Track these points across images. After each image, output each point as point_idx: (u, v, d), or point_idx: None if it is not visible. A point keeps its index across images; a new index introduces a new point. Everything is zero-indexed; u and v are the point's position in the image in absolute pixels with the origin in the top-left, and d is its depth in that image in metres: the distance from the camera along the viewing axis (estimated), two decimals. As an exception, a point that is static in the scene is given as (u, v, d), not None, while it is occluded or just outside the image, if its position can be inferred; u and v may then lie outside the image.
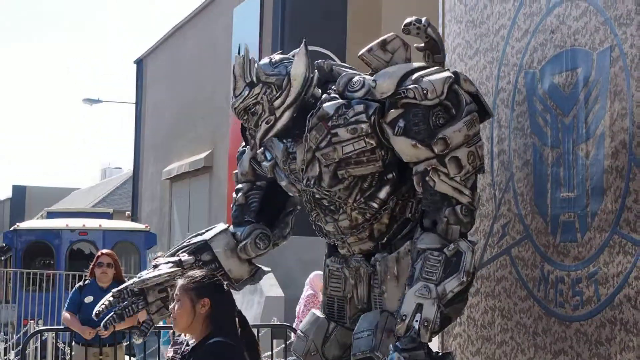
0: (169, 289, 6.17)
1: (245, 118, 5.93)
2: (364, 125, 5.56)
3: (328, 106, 5.68)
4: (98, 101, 39.42)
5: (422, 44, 5.83)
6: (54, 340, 11.65)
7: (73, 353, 9.64)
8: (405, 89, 5.43)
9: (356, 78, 5.75)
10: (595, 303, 5.43)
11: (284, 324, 11.91)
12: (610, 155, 5.32)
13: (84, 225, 21.66)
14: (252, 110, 5.84)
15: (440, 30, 7.47)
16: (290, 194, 6.45)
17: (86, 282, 9.90)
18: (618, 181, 5.25)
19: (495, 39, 6.67)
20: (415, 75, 5.49)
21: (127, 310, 6.26)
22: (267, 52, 25.57)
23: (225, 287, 4.85)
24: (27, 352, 11.19)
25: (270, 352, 10.34)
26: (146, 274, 6.37)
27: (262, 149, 6.23)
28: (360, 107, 5.59)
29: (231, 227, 6.62)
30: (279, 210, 6.67)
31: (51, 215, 26.25)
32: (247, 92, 5.81)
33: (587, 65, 5.60)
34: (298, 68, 5.83)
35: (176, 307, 4.77)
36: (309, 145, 5.75)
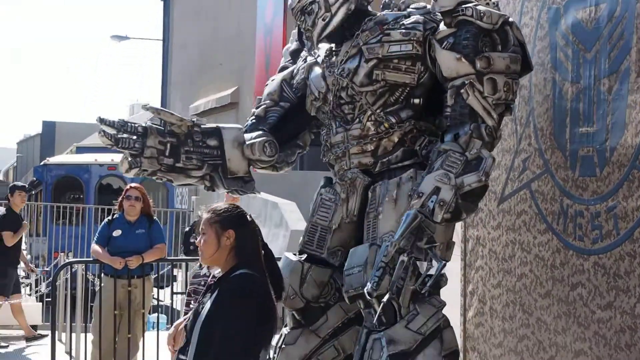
0: (168, 145, 6.15)
1: (302, 19, 6.11)
2: (417, 32, 5.81)
3: (389, 14, 5.97)
4: (126, 38, 39.39)
5: None
6: (84, 272, 11.74)
7: (102, 284, 9.70)
8: (464, 7, 5.58)
9: (417, 3, 6.00)
10: (614, 237, 5.44)
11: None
12: (636, 90, 5.29)
13: (112, 160, 21.65)
14: (309, 9, 6.02)
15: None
16: (312, 111, 6.41)
17: (114, 216, 9.93)
18: (640, 116, 5.24)
19: (518, -26, 6.62)
20: (473, 3, 5.64)
21: (123, 141, 6.09)
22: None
23: (249, 218, 4.85)
24: (57, 283, 11.27)
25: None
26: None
27: (305, 63, 6.37)
28: (419, 18, 5.87)
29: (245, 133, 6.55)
30: (290, 137, 6.63)
31: (80, 150, 26.39)
32: None
33: (612, 0, 5.55)
34: None
35: (202, 239, 4.79)
36: (357, 42, 5.96)
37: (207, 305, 4.62)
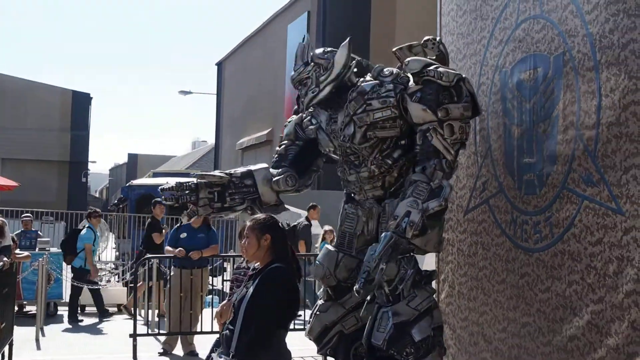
0: (215, 194, 6.22)
1: (299, 88, 6.17)
2: (392, 99, 5.78)
3: (366, 85, 5.91)
4: (189, 92, 39.43)
5: (434, 56, 6.04)
6: (158, 265, 11.75)
7: (172, 274, 9.79)
8: (428, 70, 5.65)
9: (387, 68, 5.93)
10: (550, 239, 5.45)
11: (314, 253, 11.92)
12: (562, 131, 5.31)
13: (180, 183, 21.76)
14: (304, 82, 6.08)
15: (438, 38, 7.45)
16: (326, 151, 6.43)
17: (182, 223, 9.97)
18: (567, 150, 5.24)
19: (478, 46, 6.63)
20: (434, 66, 5.70)
21: (182, 197, 6.21)
22: (312, 56, 25.63)
23: (280, 225, 4.87)
24: (138, 273, 11.33)
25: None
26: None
27: (309, 117, 6.36)
28: (390, 86, 5.83)
29: (271, 168, 6.59)
30: (306, 166, 6.63)
31: (156, 174, 26.46)
32: (302, 69, 6.10)
33: (545, 66, 5.58)
34: (340, 56, 6.02)
35: (246, 241, 4.81)
36: (348, 112, 5.94)
37: (250, 290, 4.63)
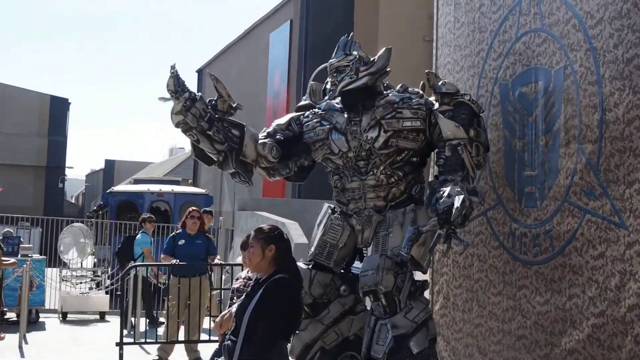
0: (208, 114, 6.03)
1: (335, 75, 6.17)
2: (422, 112, 5.95)
3: (396, 96, 6.09)
4: (169, 99, 39.30)
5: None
6: (145, 274, 11.66)
7: (170, 282, 9.66)
8: (463, 94, 5.93)
9: (412, 88, 6.18)
10: (550, 252, 5.45)
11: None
12: (564, 145, 5.32)
13: (160, 189, 21.63)
14: (342, 69, 6.12)
15: (434, 53, 7.47)
16: (319, 159, 6.40)
17: (178, 231, 9.92)
18: (569, 164, 5.25)
19: (476, 59, 6.64)
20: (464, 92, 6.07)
21: (180, 95, 5.97)
22: (294, 66, 25.58)
23: (285, 236, 4.83)
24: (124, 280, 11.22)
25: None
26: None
27: (318, 119, 6.34)
28: (421, 100, 6.03)
29: None
30: (287, 156, 6.47)
31: (137, 181, 26.27)
32: (343, 57, 6.16)
33: (546, 79, 5.60)
34: (382, 56, 6.15)
35: (251, 251, 4.77)
36: (375, 116, 6.02)
37: (254, 300, 4.59)
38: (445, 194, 5.30)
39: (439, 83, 5.97)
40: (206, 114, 6.06)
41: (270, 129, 6.54)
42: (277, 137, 6.43)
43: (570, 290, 5.20)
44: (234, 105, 6.22)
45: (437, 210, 5.26)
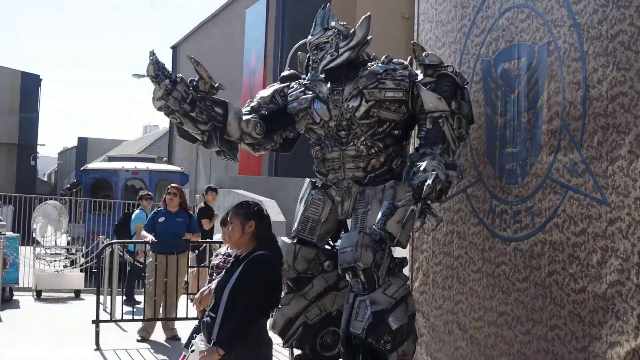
0: (190, 95, 6.00)
1: (315, 52, 6.14)
2: (406, 83, 5.91)
3: (379, 67, 6.05)
4: (143, 75, 39.03)
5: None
6: (121, 252, 11.58)
7: (149, 259, 9.60)
8: (446, 65, 5.92)
9: (397, 59, 6.13)
10: (530, 228, 5.46)
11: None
12: (547, 122, 5.31)
13: (135, 167, 21.48)
14: (322, 46, 6.09)
15: (415, 29, 7.43)
16: (302, 130, 6.38)
17: (160, 208, 9.86)
18: (552, 140, 5.24)
19: (458, 35, 6.61)
20: (448, 64, 6.04)
21: (160, 79, 5.96)
22: (271, 43, 25.42)
23: (265, 212, 4.80)
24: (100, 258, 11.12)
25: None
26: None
27: (302, 89, 6.32)
28: (405, 72, 5.99)
29: None
30: (272, 130, 6.46)
31: (111, 159, 26.08)
32: (321, 33, 6.12)
33: (529, 55, 5.57)
34: (361, 27, 6.10)
35: (230, 227, 4.74)
36: (357, 86, 5.99)
37: (234, 277, 4.57)
38: (422, 168, 5.30)
39: (423, 55, 5.95)
40: (188, 95, 6.04)
41: (254, 103, 6.50)
42: (262, 111, 6.41)
43: (550, 267, 5.21)
44: (215, 85, 6.19)
45: (412, 185, 5.26)
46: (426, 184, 5.15)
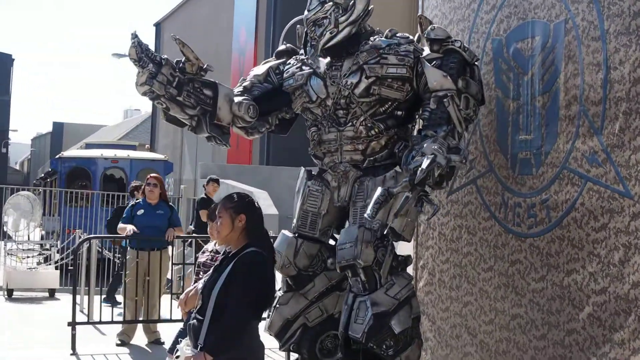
0: (176, 78, 5.96)
1: (312, 29, 6.07)
2: (410, 59, 5.86)
3: (382, 41, 5.99)
4: (124, 55, 38.91)
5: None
6: (100, 247, 11.55)
7: (128, 256, 9.54)
8: (453, 40, 5.83)
9: (401, 32, 6.08)
10: (546, 223, 5.43)
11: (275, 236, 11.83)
12: (564, 106, 5.28)
13: (115, 155, 21.45)
14: (320, 22, 6.00)
15: (420, 4, 7.39)
16: (299, 109, 6.34)
17: (138, 200, 9.80)
18: (570, 127, 5.21)
19: (466, 11, 6.57)
20: (455, 39, 5.95)
21: (144, 61, 5.91)
22: (262, 20, 25.38)
23: (257, 205, 4.77)
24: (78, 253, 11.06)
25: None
26: None
27: (299, 64, 6.28)
28: (410, 47, 5.93)
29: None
30: (264, 112, 6.39)
31: (89, 146, 26.02)
32: (319, 8, 6.01)
33: (544, 34, 5.53)
34: None
35: (219, 222, 4.70)
36: (357, 61, 5.93)
37: (224, 276, 4.53)
38: (420, 152, 5.27)
39: (428, 28, 5.91)
40: (174, 78, 5.98)
41: (247, 82, 6.45)
42: (254, 92, 6.36)
43: (568, 266, 5.19)
44: (203, 67, 6.13)
45: (409, 170, 5.24)
46: (420, 168, 5.11)
